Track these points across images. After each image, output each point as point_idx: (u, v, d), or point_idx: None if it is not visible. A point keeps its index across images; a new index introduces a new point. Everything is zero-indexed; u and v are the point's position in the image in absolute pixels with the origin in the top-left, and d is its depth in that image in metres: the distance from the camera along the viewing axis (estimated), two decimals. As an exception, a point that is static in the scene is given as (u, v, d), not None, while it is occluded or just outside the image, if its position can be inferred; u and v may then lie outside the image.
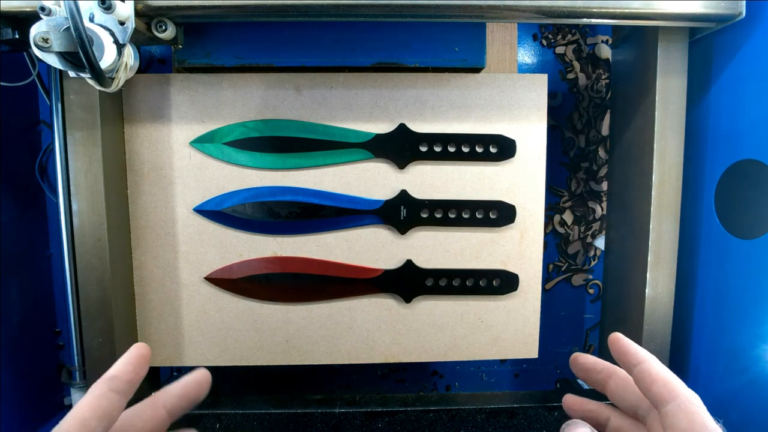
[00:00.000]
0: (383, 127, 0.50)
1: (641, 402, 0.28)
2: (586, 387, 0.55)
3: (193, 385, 0.30)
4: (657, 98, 0.47)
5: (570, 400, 0.33)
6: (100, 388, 0.26)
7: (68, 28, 0.35)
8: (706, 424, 0.23)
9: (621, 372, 0.30)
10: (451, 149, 0.50)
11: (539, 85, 0.50)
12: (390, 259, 0.51)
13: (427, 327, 0.52)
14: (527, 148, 0.50)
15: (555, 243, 0.67)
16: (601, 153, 0.66)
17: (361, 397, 0.52)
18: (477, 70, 0.50)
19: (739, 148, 0.46)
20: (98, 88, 0.39)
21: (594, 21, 0.44)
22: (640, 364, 0.26)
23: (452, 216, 0.50)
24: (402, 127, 0.49)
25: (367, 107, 0.50)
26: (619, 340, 0.29)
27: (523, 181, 0.51)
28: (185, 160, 0.50)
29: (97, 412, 0.25)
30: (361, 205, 0.50)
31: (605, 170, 0.66)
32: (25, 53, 0.54)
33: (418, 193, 0.50)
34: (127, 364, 0.27)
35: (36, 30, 0.36)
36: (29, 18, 0.38)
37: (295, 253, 0.51)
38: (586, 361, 0.32)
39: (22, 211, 0.59)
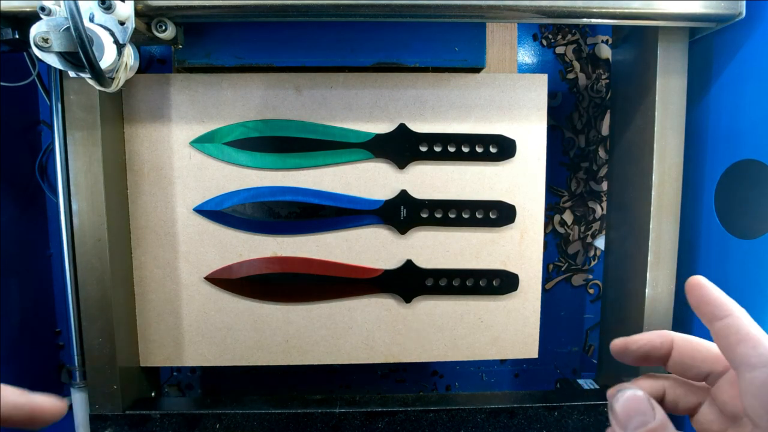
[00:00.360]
0: (383, 127, 0.50)
1: (712, 369, 0.24)
2: (585, 387, 0.55)
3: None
4: (657, 98, 0.47)
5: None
6: None
7: (68, 28, 0.35)
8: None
9: (681, 341, 0.25)
10: (451, 149, 0.50)
11: (539, 85, 0.50)
12: (390, 259, 0.51)
13: (427, 327, 0.52)
14: (527, 148, 0.50)
15: (555, 243, 0.67)
16: (601, 153, 0.66)
17: (361, 397, 0.52)
18: (477, 70, 0.50)
19: (739, 148, 0.46)
20: (98, 88, 0.39)
21: (594, 21, 0.44)
22: (727, 318, 0.22)
23: (452, 216, 0.50)
24: (402, 127, 0.49)
25: (367, 107, 0.50)
26: (701, 286, 0.23)
27: (523, 181, 0.51)
28: (185, 160, 0.50)
29: None
30: (361, 205, 0.50)
31: (605, 170, 0.66)
32: (25, 53, 0.54)
33: (418, 193, 0.50)
34: (17, 407, 0.22)
35: (36, 30, 0.36)
36: (29, 18, 0.38)
37: (295, 253, 0.51)
38: (640, 347, 0.25)
39: (22, 211, 0.59)
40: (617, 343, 0.26)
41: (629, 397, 0.22)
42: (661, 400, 0.25)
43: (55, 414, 0.24)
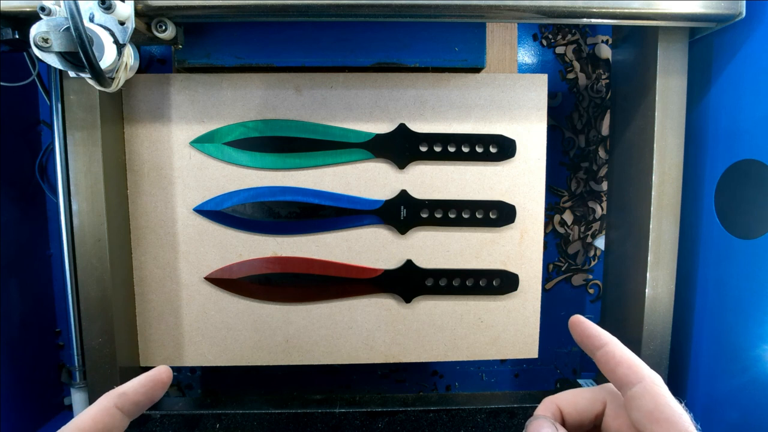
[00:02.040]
0: (383, 127, 0.50)
1: (597, 410, 0.28)
2: (585, 387, 0.55)
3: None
4: (657, 98, 0.47)
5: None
6: (106, 401, 0.25)
7: (68, 28, 0.35)
8: (671, 404, 0.23)
9: (563, 402, 0.28)
10: (451, 149, 0.50)
11: (539, 85, 0.50)
12: (390, 259, 0.51)
13: (427, 327, 0.52)
14: (527, 148, 0.50)
15: (555, 243, 0.67)
16: (601, 153, 0.66)
17: (361, 397, 0.52)
18: (477, 70, 0.50)
19: (739, 148, 0.46)
20: (98, 88, 0.39)
21: (594, 21, 0.44)
22: (604, 347, 0.26)
23: (452, 216, 0.50)
24: (402, 127, 0.49)
25: (367, 107, 0.50)
26: (581, 323, 0.28)
27: (523, 181, 0.51)
28: (185, 160, 0.50)
29: (97, 425, 0.24)
30: (361, 205, 0.50)
31: (605, 170, 0.66)
32: (25, 53, 0.54)
33: (418, 193, 0.50)
34: (142, 386, 0.26)
35: (36, 30, 0.36)
36: (29, 18, 0.38)
37: (295, 253, 0.51)
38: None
39: (22, 211, 0.59)
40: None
41: (536, 422, 0.26)
42: (562, 420, 0.29)
43: (163, 375, 0.28)
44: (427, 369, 0.69)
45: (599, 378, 0.58)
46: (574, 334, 0.28)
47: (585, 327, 0.27)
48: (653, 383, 0.24)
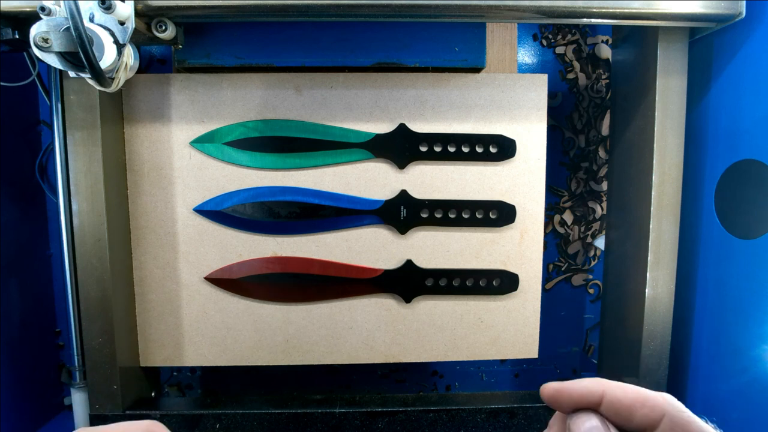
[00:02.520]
0: (383, 127, 0.50)
1: (647, 414, 0.24)
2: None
3: None
4: (657, 98, 0.47)
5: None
6: None
7: (68, 28, 0.35)
8: (702, 427, 0.22)
9: (612, 387, 0.25)
10: (451, 149, 0.50)
11: (539, 85, 0.50)
12: (390, 259, 0.51)
13: (427, 327, 0.52)
14: (527, 148, 0.50)
15: (555, 243, 0.67)
16: (601, 153, 0.66)
17: (361, 397, 0.52)
18: (477, 70, 0.50)
19: (739, 148, 0.46)
20: (98, 88, 0.39)
21: (594, 21, 0.44)
22: (604, 397, 0.23)
23: (452, 216, 0.50)
24: (402, 127, 0.49)
25: (367, 107, 0.50)
26: (561, 390, 0.24)
27: (523, 181, 0.51)
28: (185, 160, 0.50)
29: None
30: (361, 205, 0.50)
31: (605, 170, 0.66)
32: (25, 53, 0.54)
33: (418, 193, 0.50)
34: None
35: (36, 30, 0.36)
36: (29, 18, 0.38)
37: (295, 253, 0.51)
38: (572, 396, 0.25)
39: (22, 211, 0.59)
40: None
41: (589, 427, 0.23)
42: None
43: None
44: (427, 369, 0.69)
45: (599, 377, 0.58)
46: (563, 403, 0.25)
47: (569, 390, 0.24)
48: (676, 410, 0.22)
